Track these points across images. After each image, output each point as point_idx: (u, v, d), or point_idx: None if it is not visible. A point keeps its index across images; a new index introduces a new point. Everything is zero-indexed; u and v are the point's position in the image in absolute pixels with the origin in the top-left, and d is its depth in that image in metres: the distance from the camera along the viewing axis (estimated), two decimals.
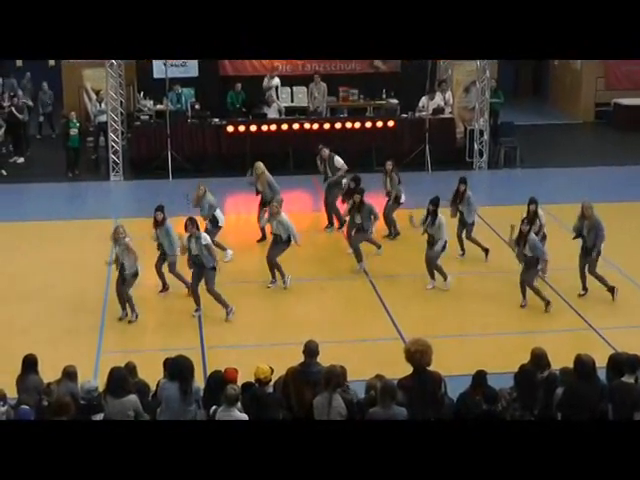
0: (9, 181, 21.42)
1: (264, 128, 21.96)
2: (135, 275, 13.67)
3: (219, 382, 9.21)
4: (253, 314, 14.22)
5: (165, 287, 14.83)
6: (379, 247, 16.52)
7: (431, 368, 8.87)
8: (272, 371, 9.27)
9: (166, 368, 9.51)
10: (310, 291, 15.14)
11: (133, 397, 8.90)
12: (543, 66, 30.71)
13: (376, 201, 16.41)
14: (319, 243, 17.44)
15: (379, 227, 16.66)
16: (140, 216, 16.43)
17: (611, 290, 14.48)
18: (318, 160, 17.88)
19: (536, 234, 14.23)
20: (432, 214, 14.61)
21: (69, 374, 9.67)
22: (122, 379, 9.00)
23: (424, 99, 22.59)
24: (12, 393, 9.60)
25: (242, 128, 21.89)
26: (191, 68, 23.46)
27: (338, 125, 22.17)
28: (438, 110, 22.64)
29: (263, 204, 16.85)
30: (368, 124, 22.33)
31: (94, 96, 23.31)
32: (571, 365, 9.12)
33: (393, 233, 17.43)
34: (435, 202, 14.70)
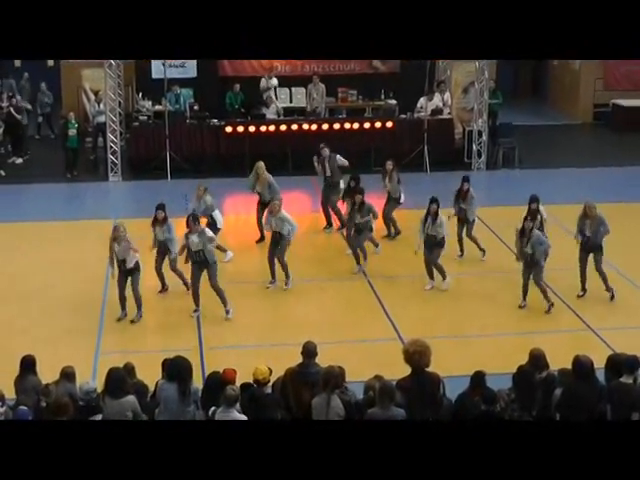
0: (8, 182, 21.40)
1: (263, 129, 21.94)
2: (138, 269, 13.63)
3: (217, 383, 9.20)
4: (252, 315, 14.21)
5: (164, 287, 14.83)
6: (377, 245, 16.56)
7: (430, 369, 8.88)
8: (271, 372, 9.27)
9: (164, 369, 9.50)
10: (309, 292, 15.14)
11: (131, 398, 8.87)
12: (542, 67, 30.72)
13: (375, 201, 16.39)
14: (318, 244, 17.44)
15: (378, 227, 16.66)
16: (139, 216, 16.41)
17: (610, 291, 14.50)
18: (315, 161, 17.82)
19: (538, 229, 14.25)
20: (434, 214, 14.62)
21: (67, 375, 9.65)
22: (120, 380, 8.98)
23: (423, 100, 22.59)
24: (10, 394, 9.57)
25: (241, 129, 21.88)
26: (190, 69, 23.48)
27: (337, 126, 22.15)
28: (437, 111, 22.64)
29: (261, 205, 16.84)
30: (367, 125, 22.32)
31: (93, 97, 23.26)
32: (569, 366, 9.12)
33: (393, 233, 17.45)
34: (438, 202, 14.70)
